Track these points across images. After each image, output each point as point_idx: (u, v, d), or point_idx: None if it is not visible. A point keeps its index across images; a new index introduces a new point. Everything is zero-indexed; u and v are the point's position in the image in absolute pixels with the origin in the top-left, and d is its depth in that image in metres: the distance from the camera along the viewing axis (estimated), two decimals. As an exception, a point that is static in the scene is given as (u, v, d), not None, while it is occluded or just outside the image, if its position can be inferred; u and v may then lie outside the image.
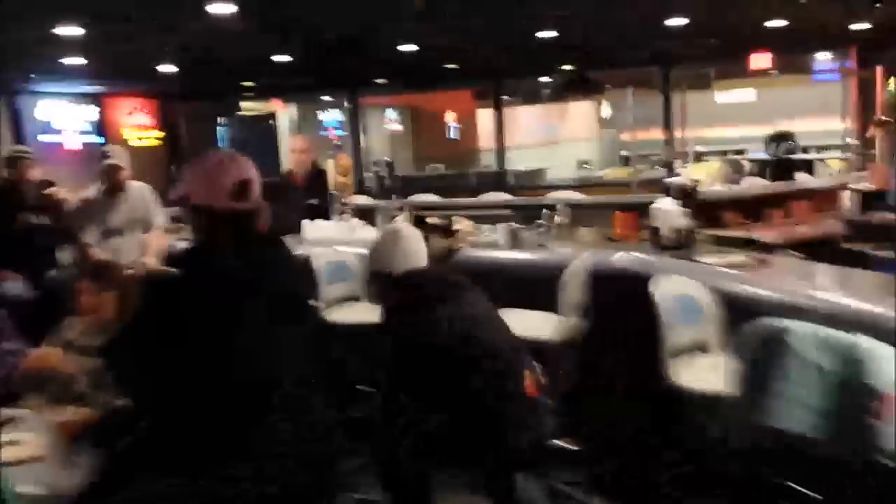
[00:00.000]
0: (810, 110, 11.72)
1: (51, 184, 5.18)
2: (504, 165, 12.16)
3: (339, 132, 13.42)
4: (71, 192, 5.22)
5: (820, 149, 11.14)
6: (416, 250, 2.67)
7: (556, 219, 4.58)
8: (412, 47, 8.16)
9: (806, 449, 2.11)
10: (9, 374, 3.07)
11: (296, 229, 5.00)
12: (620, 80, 12.47)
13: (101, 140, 10.64)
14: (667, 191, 4.72)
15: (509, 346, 2.55)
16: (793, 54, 11.08)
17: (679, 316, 2.99)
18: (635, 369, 3.28)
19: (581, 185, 9.73)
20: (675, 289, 3.08)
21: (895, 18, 7.58)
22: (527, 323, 3.27)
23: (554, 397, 2.66)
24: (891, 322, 2.36)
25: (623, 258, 3.77)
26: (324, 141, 12.43)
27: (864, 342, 2.06)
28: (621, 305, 3.41)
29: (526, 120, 14.38)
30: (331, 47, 7.64)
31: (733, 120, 12.76)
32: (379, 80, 11.69)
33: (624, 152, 13.26)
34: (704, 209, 4.91)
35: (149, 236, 5.22)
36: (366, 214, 5.30)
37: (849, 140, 10.81)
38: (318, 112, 14.00)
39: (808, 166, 9.17)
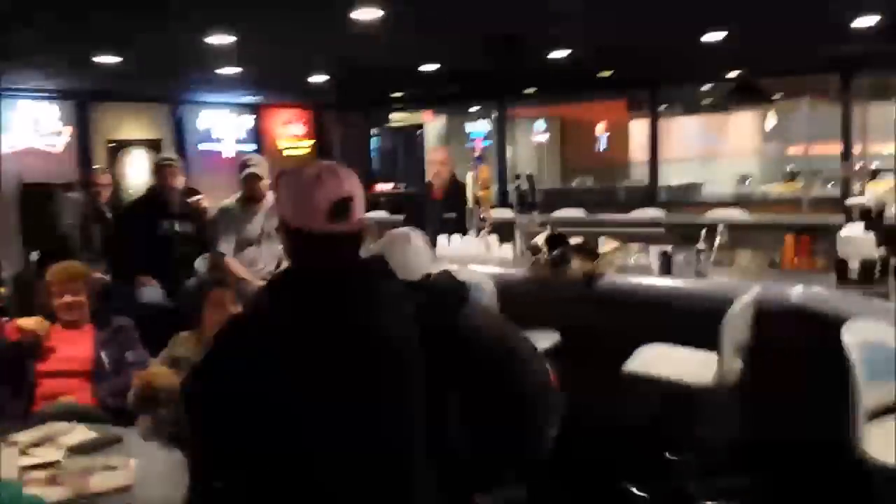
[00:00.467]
0: None
1: (195, 192, 5.24)
2: (656, 179, 11.47)
3: (487, 143, 13.21)
4: (213, 201, 5.27)
5: None
6: (423, 258, 2.43)
7: (716, 240, 4.06)
8: (564, 53, 7.77)
9: None
10: (128, 386, 3.02)
11: (430, 244, 4.78)
12: (793, 87, 11.41)
13: (254, 148, 11.00)
14: (847, 212, 4.09)
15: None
16: None
17: (872, 369, 2.46)
18: (811, 429, 2.76)
19: (742, 203, 8.93)
20: (868, 335, 2.55)
21: None
22: (678, 362, 2.84)
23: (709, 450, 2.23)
24: None
25: (801, 293, 3.22)
26: (470, 153, 12.26)
27: None
28: (797, 350, 2.89)
29: (682, 131, 13.56)
30: (481, 55, 7.43)
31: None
32: (529, 90, 11.36)
33: (791, 167, 12.17)
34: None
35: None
36: (505, 230, 5.00)
37: None
38: (465, 123, 13.87)
39: None
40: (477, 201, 4.77)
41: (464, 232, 4.74)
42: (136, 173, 9.40)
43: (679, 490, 3.15)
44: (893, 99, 11.77)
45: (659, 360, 3.11)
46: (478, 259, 4.23)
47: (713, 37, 7.12)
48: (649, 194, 10.81)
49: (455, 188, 5.08)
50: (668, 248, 3.87)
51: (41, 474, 2.16)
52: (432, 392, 1.62)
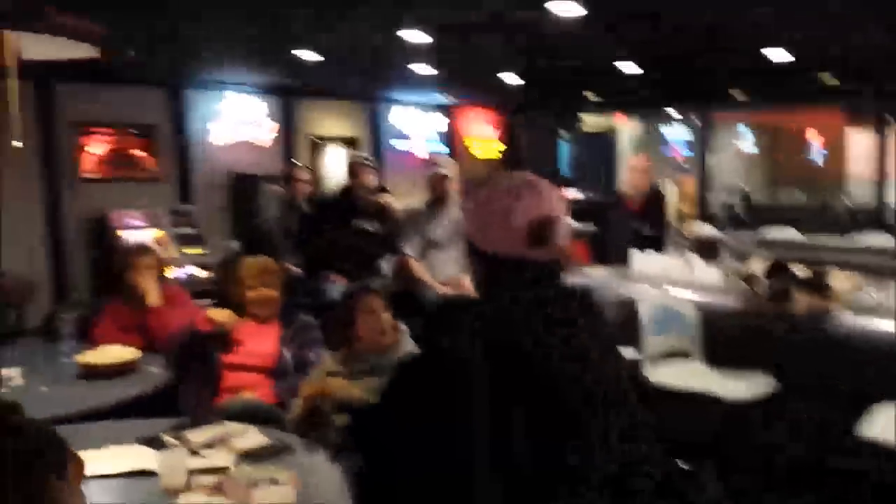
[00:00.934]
0: None
1: (386, 191, 5.23)
2: (882, 199, 10.20)
3: (687, 153, 12.43)
4: (403, 201, 5.23)
5: None
6: None
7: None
8: (779, 52, 7.02)
9: None
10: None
11: (622, 259, 4.41)
12: None
13: (445, 149, 11.04)
14: None
15: None
16: None
17: None
18: None
19: None
20: None
21: None
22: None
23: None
24: None
25: None
26: (666, 161, 11.59)
27: None
28: None
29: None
30: (686, 55, 6.90)
31: None
32: (737, 93, 10.49)
33: None
34: None
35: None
36: (708, 249, 4.52)
37: None
38: (662, 128, 13.12)
39: None
40: (679, 216, 4.34)
41: (661, 249, 4.34)
42: (333, 170, 9.72)
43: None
44: None
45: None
46: (678, 281, 3.82)
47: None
48: (876, 216, 9.59)
49: (654, 199, 4.69)
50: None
51: (208, 480, 2.10)
52: (496, 407, 1.42)
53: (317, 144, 9.67)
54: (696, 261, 4.03)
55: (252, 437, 2.44)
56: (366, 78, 8.60)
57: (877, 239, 5.77)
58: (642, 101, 11.24)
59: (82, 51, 2.81)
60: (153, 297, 3.68)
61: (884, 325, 3.07)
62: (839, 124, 12.28)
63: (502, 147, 12.13)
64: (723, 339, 3.28)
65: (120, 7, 4.47)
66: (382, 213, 5.06)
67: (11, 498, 1.06)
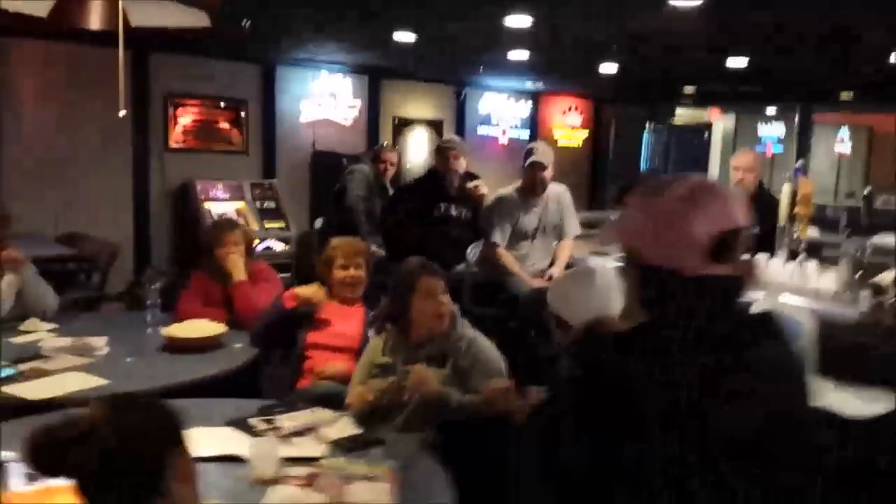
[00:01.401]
0: None
1: (474, 176, 5.07)
2: None
3: (777, 148, 11.87)
4: (491, 187, 5.06)
5: None
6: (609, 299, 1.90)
7: None
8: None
9: None
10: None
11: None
12: None
13: (529, 136, 10.80)
14: None
15: None
16: None
17: None
18: None
19: None
20: None
21: None
22: None
23: None
24: None
25: None
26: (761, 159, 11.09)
27: None
28: None
29: None
30: (798, 51, 6.50)
31: None
32: (844, 94, 9.93)
33: None
34: None
35: (559, 245, 4.82)
36: (813, 254, 4.19)
37: None
38: (758, 125, 12.57)
39: None
40: (792, 218, 4.04)
41: (771, 253, 4.05)
42: (416, 152, 9.60)
43: None
44: None
45: None
46: (792, 288, 3.54)
47: None
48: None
49: (763, 200, 4.38)
50: None
51: (301, 471, 1.99)
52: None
53: (400, 126, 9.57)
54: (813, 267, 3.73)
55: (342, 425, 2.33)
56: (457, 62, 8.43)
57: None
58: (742, 96, 10.76)
59: (192, 19, 2.71)
60: (239, 272, 3.61)
61: None
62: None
63: (585, 135, 11.83)
64: (840, 349, 3.01)
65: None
66: (471, 199, 4.90)
67: (139, 469, 1.21)
